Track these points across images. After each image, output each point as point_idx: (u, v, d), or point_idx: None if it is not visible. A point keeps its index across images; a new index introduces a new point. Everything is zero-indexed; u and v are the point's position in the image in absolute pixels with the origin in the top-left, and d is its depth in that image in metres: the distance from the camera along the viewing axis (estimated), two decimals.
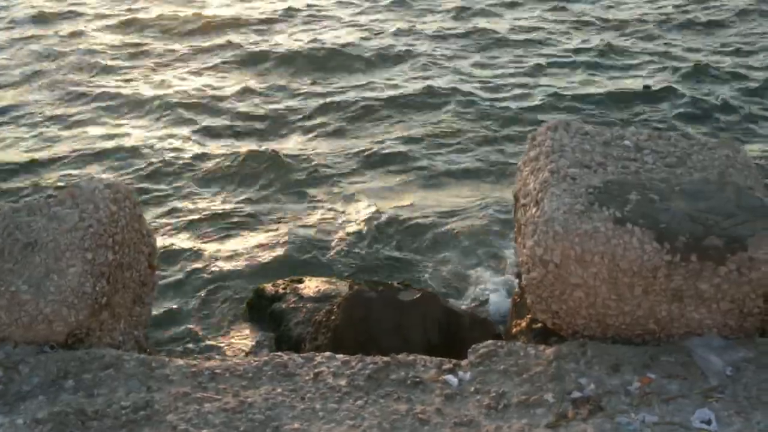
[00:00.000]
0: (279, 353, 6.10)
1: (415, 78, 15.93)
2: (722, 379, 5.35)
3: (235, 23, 18.89)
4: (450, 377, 5.53)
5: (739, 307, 5.67)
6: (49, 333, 5.83)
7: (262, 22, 18.92)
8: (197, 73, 16.75)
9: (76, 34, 19.70)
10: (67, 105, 15.59)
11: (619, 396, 5.25)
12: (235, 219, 11.50)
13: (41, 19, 19.82)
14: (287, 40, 17.80)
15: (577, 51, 16.80)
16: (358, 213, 11.58)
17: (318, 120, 14.35)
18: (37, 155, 13.49)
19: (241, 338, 8.79)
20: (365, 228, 11.15)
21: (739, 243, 5.56)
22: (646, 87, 14.52)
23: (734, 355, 5.54)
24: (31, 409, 5.29)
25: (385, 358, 5.78)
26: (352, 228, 11.18)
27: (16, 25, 19.38)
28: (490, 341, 6.00)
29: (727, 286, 5.62)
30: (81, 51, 17.99)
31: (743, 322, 5.75)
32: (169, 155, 13.44)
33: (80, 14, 20.78)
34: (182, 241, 11.06)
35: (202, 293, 9.80)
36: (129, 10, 20.24)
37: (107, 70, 16.88)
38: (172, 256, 10.58)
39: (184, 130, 14.25)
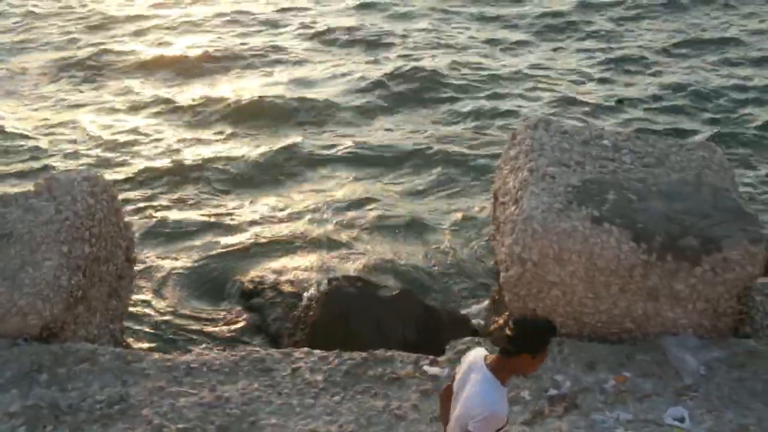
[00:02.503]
0: (256, 348, 6.09)
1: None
2: (696, 379, 5.42)
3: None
4: (428, 367, 5.58)
5: (714, 307, 5.74)
6: (23, 326, 5.76)
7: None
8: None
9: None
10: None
11: (595, 394, 5.29)
12: (214, 213, 11.41)
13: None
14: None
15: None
16: (340, 210, 11.53)
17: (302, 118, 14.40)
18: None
19: (219, 333, 8.73)
20: (345, 226, 11.12)
21: (715, 244, 5.62)
22: (619, 102, 14.64)
23: (708, 355, 5.61)
24: (3, 403, 5.23)
25: (363, 354, 5.78)
26: (331, 225, 11.14)
27: None
28: (468, 338, 6.03)
29: (702, 287, 5.68)
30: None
31: (717, 322, 5.82)
32: (150, 150, 13.36)
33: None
34: (160, 235, 10.95)
35: (180, 287, 9.71)
36: None
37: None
38: (150, 249, 10.48)
39: (174, 131, 14.15)
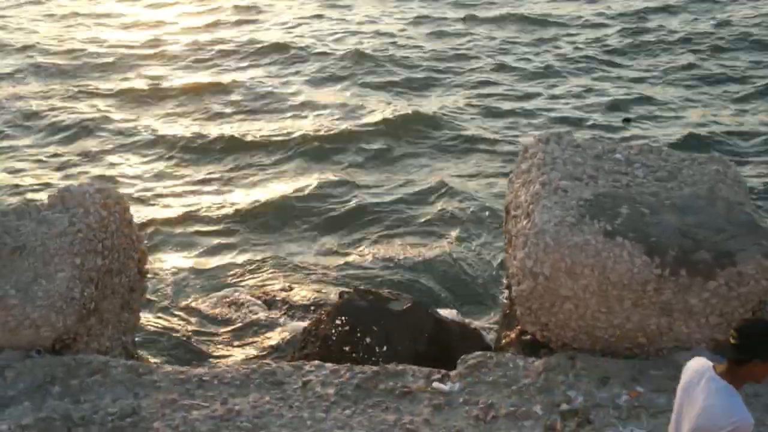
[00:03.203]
0: (267, 361, 6.09)
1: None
2: None
3: None
4: (440, 384, 5.55)
5: (728, 321, 5.68)
6: (36, 338, 5.79)
7: None
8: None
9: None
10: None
11: (608, 409, 5.25)
12: (226, 227, 11.46)
13: None
14: None
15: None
16: (350, 224, 11.56)
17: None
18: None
19: (230, 345, 8.75)
20: (355, 239, 11.14)
21: (729, 258, 5.58)
22: (626, 120, 14.58)
23: None
24: (16, 415, 5.25)
25: (374, 368, 5.76)
26: (342, 238, 11.16)
27: None
28: (479, 352, 6.00)
29: (715, 301, 5.64)
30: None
31: None
32: (161, 164, 13.47)
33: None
34: (172, 247, 11.01)
35: (192, 299, 9.75)
36: None
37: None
38: (162, 261, 10.54)
39: (184, 145, 14.31)
